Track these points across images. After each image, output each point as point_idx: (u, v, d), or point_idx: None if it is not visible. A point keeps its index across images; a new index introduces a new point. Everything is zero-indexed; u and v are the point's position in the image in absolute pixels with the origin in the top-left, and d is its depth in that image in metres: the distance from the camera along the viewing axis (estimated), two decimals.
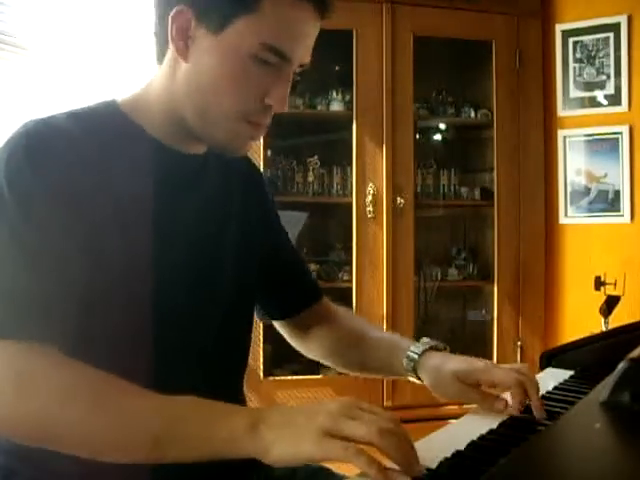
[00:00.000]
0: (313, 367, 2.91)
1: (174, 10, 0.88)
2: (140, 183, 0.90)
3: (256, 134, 0.94)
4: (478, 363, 0.98)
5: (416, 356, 1.03)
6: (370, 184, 2.81)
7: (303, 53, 0.91)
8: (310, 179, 2.97)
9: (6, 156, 0.83)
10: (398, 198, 2.84)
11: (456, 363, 0.99)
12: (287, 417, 0.71)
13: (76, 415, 0.74)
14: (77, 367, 0.77)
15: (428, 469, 0.69)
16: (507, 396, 0.93)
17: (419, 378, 1.03)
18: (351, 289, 2.82)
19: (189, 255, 0.95)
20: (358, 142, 2.82)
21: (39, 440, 0.77)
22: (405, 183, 2.86)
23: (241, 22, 0.86)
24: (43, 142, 0.84)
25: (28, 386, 0.75)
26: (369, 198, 2.81)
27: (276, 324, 1.21)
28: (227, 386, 1.01)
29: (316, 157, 2.96)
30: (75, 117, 0.90)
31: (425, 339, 1.06)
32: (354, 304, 2.81)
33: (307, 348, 1.19)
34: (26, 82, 2.18)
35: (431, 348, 1.04)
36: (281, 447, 0.69)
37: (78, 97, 2.25)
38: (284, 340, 1.22)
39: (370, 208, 2.81)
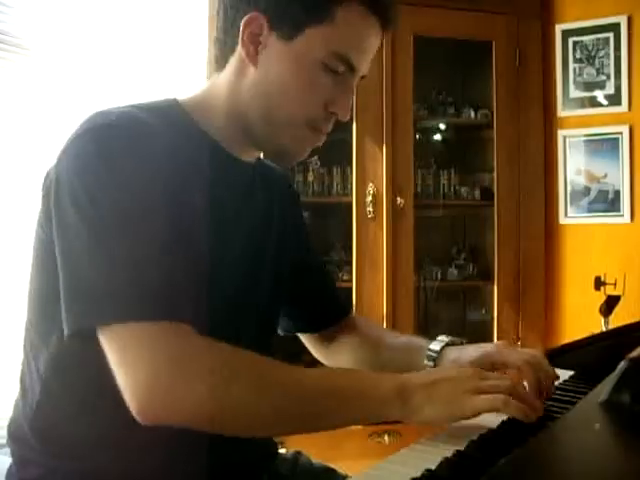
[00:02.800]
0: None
1: (247, 16, 0.90)
2: (203, 184, 0.91)
3: (317, 140, 0.98)
4: (490, 347, 1.03)
5: (435, 354, 1.07)
6: (370, 184, 2.81)
7: (366, 65, 0.97)
8: (310, 179, 2.96)
9: (75, 152, 0.82)
10: (398, 198, 2.84)
11: (471, 352, 1.04)
12: (430, 382, 0.80)
13: (243, 395, 0.76)
14: (226, 348, 0.78)
15: (428, 469, 0.69)
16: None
17: None
18: (351, 289, 2.82)
19: (241, 258, 0.97)
20: (358, 142, 2.82)
21: (201, 423, 0.76)
22: (405, 183, 2.86)
23: (313, 31, 0.90)
24: (112, 136, 0.83)
25: (185, 369, 0.74)
26: (369, 198, 2.81)
27: (301, 336, 1.24)
28: None
29: (316, 157, 2.96)
30: (140, 110, 0.89)
31: (442, 336, 1.10)
32: (354, 304, 2.81)
33: (331, 359, 1.22)
34: (28, 83, 2.18)
35: (448, 344, 1.08)
36: (433, 408, 0.77)
37: (81, 98, 2.25)
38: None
39: (370, 208, 2.81)
